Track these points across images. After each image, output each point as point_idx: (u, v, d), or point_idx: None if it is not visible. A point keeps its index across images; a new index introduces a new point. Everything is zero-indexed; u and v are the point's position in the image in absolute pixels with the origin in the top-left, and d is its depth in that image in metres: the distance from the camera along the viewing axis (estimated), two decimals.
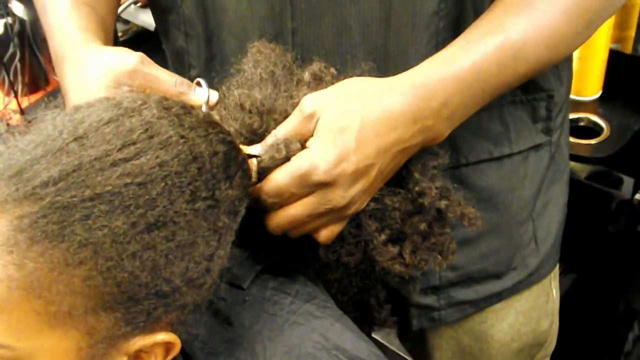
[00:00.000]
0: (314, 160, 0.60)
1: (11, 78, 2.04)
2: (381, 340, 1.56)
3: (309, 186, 0.61)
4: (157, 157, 0.52)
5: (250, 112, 0.64)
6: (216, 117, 0.64)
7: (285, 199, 0.62)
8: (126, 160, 0.51)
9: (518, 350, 0.90)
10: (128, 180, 0.50)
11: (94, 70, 0.65)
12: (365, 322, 0.75)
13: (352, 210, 0.63)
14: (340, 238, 0.66)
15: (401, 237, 0.67)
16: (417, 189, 0.66)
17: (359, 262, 0.68)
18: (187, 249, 0.53)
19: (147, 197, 0.50)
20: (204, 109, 0.64)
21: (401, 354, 1.55)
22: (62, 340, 0.50)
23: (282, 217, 0.63)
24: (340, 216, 0.64)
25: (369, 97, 0.62)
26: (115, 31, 1.57)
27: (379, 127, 0.61)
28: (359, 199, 0.63)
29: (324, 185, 0.61)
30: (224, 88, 0.68)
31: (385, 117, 0.61)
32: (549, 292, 0.92)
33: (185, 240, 0.52)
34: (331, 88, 0.64)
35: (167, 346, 0.55)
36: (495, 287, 0.85)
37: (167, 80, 0.65)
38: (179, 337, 0.56)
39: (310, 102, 0.62)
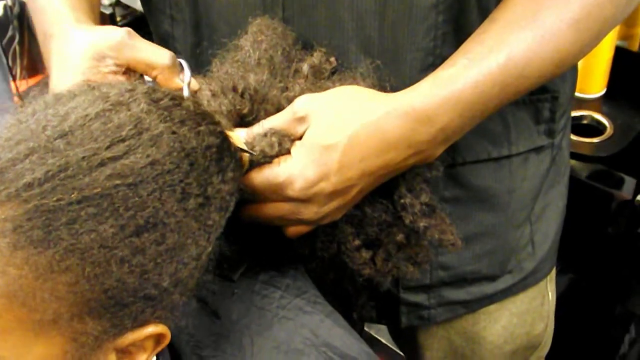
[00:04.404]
0: (292, 174, 0.60)
1: (9, 61, 2.02)
2: (371, 332, 1.55)
3: (282, 197, 0.61)
4: (147, 155, 0.50)
5: (242, 96, 0.63)
6: (206, 97, 0.63)
7: (260, 199, 0.62)
8: (115, 159, 0.49)
9: (511, 352, 0.89)
10: (118, 181, 0.48)
11: (78, 46, 0.64)
12: (344, 309, 0.74)
13: (325, 221, 0.63)
14: (313, 233, 0.66)
15: (376, 243, 0.66)
16: (401, 201, 0.65)
17: (334, 256, 0.67)
18: (177, 252, 0.51)
19: (137, 198, 0.48)
20: (185, 91, 0.63)
21: (391, 346, 1.54)
22: (47, 346, 0.49)
23: (254, 212, 0.63)
24: (312, 225, 0.64)
25: (363, 114, 0.60)
26: (114, 16, 1.56)
27: (367, 150, 0.60)
28: (333, 214, 0.63)
29: (297, 200, 0.60)
30: (217, 62, 0.67)
31: (376, 140, 0.60)
32: (544, 294, 0.90)
33: (175, 242, 0.51)
34: (328, 94, 0.62)
35: (157, 338, 0.54)
36: (488, 289, 0.84)
37: (154, 53, 0.64)
38: (169, 323, 0.54)
39: (304, 104, 0.61)
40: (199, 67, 0.70)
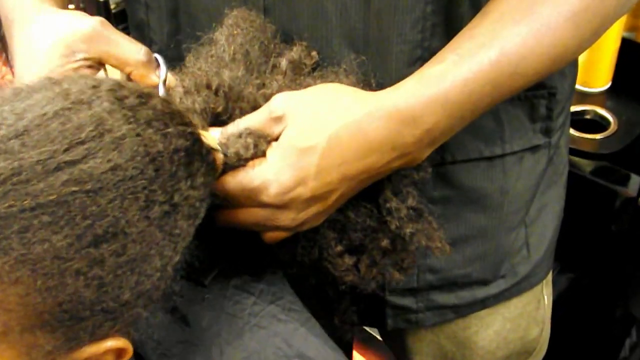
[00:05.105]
0: (266, 179, 0.56)
1: (7, 49, 2.00)
2: (366, 328, 1.52)
3: (257, 202, 0.58)
4: (108, 160, 0.47)
5: (216, 93, 0.60)
6: (179, 94, 0.60)
7: (234, 204, 0.59)
8: (73, 163, 0.46)
9: (504, 358, 0.86)
10: (75, 187, 0.45)
11: (44, 36, 0.61)
12: (326, 313, 0.71)
13: (305, 228, 0.60)
14: (294, 238, 0.63)
15: (360, 249, 0.63)
16: (386, 206, 0.62)
17: (315, 261, 0.64)
18: (139, 263, 0.48)
19: (95, 206, 0.46)
20: (160, 89, 0.60)
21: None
22: None
23: (228, 217, 0.60)
24: (290, 232, 0.61)
25: (344, 114, 0.57)
26: (108, 3, 1.52)
27: (347, 153, 0.57)
28: (312, 220, 0.60)
29: (273, 206, 0.57)
30: (191, 56, 0.64)
31: (357, 142, 0.57)
32: (540, 298, 0.87)
33: (137, 253, 0.48)
34: (306, 92, 0.59)
35: (118, 352, 0.51)
36: (480, 293, 0.81)
37: (129, 49, 0.61)
38: (131, 335, 0.52)
39: (282, 103, 0.58)
40: (177, 58, 0.66)
